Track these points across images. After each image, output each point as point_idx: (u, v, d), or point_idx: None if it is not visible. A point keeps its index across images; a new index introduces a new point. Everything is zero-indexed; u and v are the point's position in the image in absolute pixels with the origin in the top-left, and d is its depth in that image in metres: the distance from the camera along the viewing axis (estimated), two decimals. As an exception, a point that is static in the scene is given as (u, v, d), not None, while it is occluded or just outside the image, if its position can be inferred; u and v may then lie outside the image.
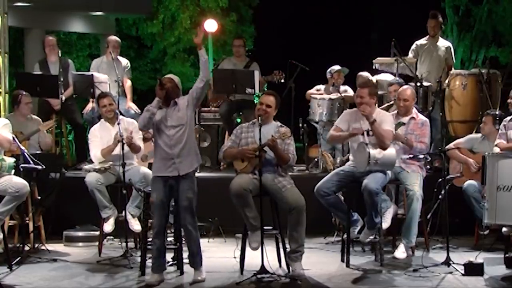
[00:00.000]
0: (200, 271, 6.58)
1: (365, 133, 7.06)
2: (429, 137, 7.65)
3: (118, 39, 10.01)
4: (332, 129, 7.36)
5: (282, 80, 9.53)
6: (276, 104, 6.91)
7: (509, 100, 7.47)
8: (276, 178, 6.75)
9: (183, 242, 6.81)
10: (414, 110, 7.69)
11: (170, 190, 6.50)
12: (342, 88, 9.70)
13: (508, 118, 7.43)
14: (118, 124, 7.36)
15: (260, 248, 6.51)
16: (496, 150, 7.26)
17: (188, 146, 6.52)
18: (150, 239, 6.67)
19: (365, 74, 9.59)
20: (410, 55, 9.71)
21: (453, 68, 9.75)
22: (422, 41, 9.77)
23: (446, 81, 9.44)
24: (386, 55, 9.58)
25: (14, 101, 8.50)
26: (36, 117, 8.58)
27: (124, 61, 9.92)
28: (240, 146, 6.88)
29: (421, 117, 7.71)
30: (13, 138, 7.13)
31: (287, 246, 6.74)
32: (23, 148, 7.21)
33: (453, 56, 9.89)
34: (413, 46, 9.77)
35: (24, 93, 8.45)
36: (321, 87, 9.86)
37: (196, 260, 6.60)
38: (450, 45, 9.88)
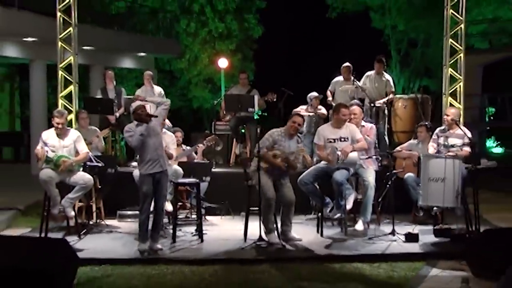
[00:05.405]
0: (157, 243, 6.33)
1: (338, 140, 7.04)
2: (374, 135, 7.70)
3: (150, 72, 9.86)
4: (316, 148, 7.26)
5: (274, 100, 9.49)
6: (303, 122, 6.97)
7: (444, 117, 7.42)
8: (282, 177, 6.76)
9: (203, 217, 6.70)
10: (362, 122, 7.65)
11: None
12: (319, 108, 9.64)
13: (442, 127, 7.40)
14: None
15: (259, 223, 6.52)
16: (430, 149, 7.26)
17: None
18: (180, 217, 6.57)
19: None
20: (362, 81, 9.48)
21: (392, 94, 9.42)
22: (370, 73, 9.51)
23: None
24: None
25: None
26: (95, 127, 8.53)
27: (158, 89, 9.81)
28: (273, 148, 6.75)
29: (368, 124, 7.76)
30: None
31: (279, 225, 6.73)
32: (88, 151, 7.23)
33: (392, 85, 9.51)
34: (363, 77, 9.53)
35: (82, 110, 8.46)
36: (304, 107, 9.53)
37: (156, 231, 6.32)
38: (389, 78, 9.57)
